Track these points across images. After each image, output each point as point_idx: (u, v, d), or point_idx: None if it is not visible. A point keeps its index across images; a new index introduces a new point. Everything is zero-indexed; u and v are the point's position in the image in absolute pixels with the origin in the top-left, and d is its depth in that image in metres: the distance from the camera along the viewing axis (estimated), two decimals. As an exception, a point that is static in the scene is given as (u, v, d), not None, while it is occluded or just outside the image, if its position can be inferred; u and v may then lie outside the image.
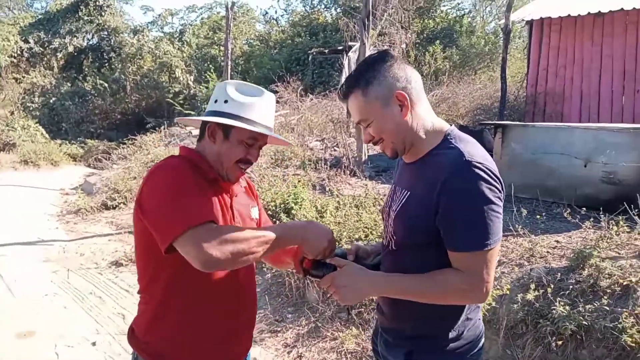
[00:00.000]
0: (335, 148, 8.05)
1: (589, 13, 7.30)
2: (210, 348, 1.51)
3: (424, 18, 16.23)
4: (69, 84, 18.87)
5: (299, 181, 5.80)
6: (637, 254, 3.41)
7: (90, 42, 20.99)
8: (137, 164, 8.99)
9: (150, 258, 1.46)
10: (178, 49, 20.09)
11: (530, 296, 2.99)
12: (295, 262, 1.55)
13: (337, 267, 1.43)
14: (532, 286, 3.05)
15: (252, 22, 23.67)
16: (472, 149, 1.33)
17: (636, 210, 3.71)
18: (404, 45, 14.35)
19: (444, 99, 10.42)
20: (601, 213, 3.73)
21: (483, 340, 1.51)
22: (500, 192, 1.30)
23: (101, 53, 20.54)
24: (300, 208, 5.02)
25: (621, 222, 3.56)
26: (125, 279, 4.89)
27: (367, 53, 7.82)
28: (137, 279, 1.54)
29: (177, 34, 22.70)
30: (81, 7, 19.62)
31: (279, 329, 3.77)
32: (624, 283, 2.99)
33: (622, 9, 6.94)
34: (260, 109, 1.51)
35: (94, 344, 3.68)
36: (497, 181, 1.30)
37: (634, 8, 6.85)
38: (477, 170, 1.27)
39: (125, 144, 11.85)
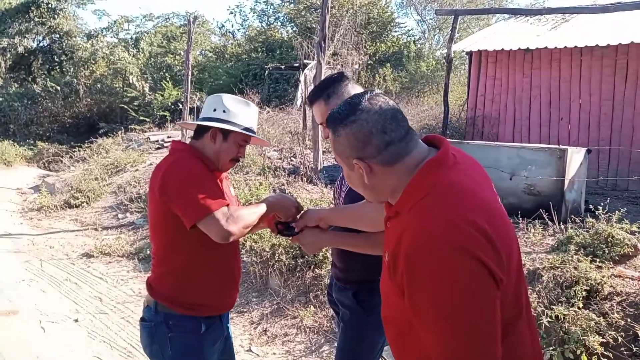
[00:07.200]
0: (292, 158, 8.63)
1: (519, 48, 8.33)
2: (218, 292, 2.00)
3: (376, 41, 17.23)
4: (16, 85, 18.46)
5: (261, 184, 6.32)
6: (546, 250, 4.20)
7: (41, 44, 20.64)
8: (96, 166, 9.19)
9: (166, 234, 1.90)
10: (133, 55, 20.11)
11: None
12: (270, 225, 2.08)
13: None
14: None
15: (208, 33, 24.05)
16: None
17: (547, 215, 4.53)
18: (356, 66, 15.23)
19: (393, 118, 11.25)
20: (520, 218, 4.55)
21: None
22: None
23: (52, 55, 20.25)
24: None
25: (537, 226, 4.38)
26: (98, 269, 5.21)
27: (323, 71, 8.53)
28: (151, 251, 1.99)
29: (133, 41, 22.69)
30: (32, 8, 19.31)
31: (245, 310, 4.27)
32: (532, 269, 3.75)
33: (546, 47, 8.00)
34: (249, 117, 1.98)
35: (76, 320, 4.04)
36: None
37: (556, 47, 7.92)
38: None
39: (80, 146, 11.93)
